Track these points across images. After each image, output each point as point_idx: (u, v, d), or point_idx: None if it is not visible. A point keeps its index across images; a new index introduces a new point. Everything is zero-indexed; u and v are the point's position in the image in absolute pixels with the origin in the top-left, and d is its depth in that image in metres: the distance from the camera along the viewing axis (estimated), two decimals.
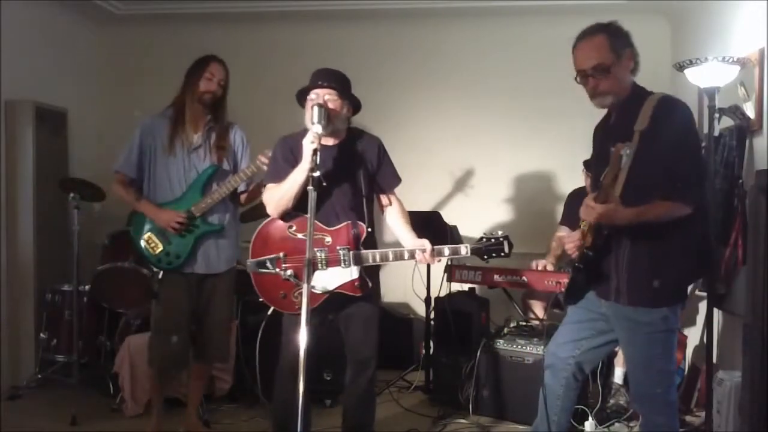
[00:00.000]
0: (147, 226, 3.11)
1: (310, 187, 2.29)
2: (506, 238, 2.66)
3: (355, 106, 2.76)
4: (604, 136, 2.45)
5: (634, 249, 2.31)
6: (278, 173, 2.66)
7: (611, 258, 2.35)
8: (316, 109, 2.49)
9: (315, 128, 2.44)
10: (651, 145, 2.22)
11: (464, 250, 2.65)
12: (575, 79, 2.38)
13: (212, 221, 3.14)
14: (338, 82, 2.68)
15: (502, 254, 2.65)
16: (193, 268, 3.13)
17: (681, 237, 2.27)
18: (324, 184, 2.43)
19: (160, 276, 3.08)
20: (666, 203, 2.22)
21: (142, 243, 3.10)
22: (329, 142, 2.70)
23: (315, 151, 2.38)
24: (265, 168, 2.95)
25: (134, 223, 3.17)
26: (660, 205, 2.22)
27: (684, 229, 2.26)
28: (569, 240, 2.46)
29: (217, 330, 3.25)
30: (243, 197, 3.24)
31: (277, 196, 2.62)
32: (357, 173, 2.71)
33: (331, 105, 2.61)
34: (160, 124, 3.14)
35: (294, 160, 2.63)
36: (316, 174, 2.31)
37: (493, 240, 2.65)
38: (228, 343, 3.44)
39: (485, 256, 2.66)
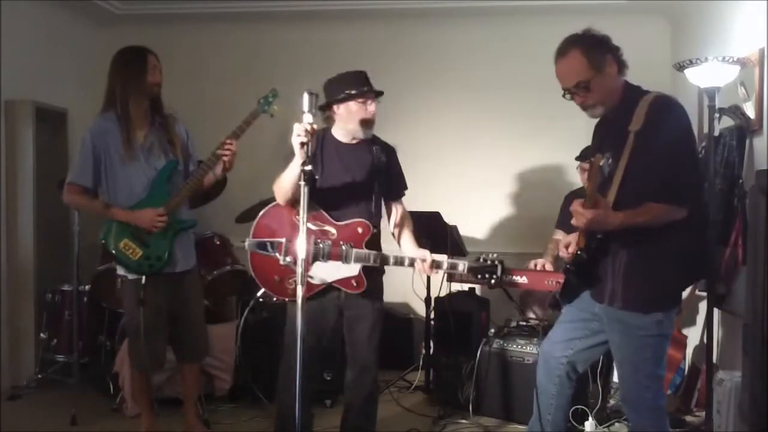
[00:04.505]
0: (122, 233, 3.00)
1: (301, 182, 2.19)
2: (501, 262, 2.71)
3: None
4: (603, 135, 2.45)
5: (630, 253, 2.28)
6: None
7: (607, 261, 2.33)
8: (306, 96, 2.26)
9: (306, 117, 2.28)
10: (645, 146, 2.20)
11: (461, 266, 2.72)
12: (563, 95, 2.35)
13: (183, 217, 3.11)
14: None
15: (494, 277, 2.70)
16: (174, 267, 3.07)
17: (677, 240, 2.24)
18: (317, 177, 2.42)
19: (143, 281, 2.99)
20: (658, 205, 2.18)
21: (120, 250, 2.99)
22: (351, 141, 2.77)
23: (303, 145, 2.28)
24: (224, 155, 2.99)
25: (106, 233, 3.01)
26: (652, 207, 2.18)
27: (680, 232, 2.23)
28: (565, 244, 2.46)
29: (198, 326, 3.25)
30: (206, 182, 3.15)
31: (277, 188, 2.66)
32: (373, 175, 2.76)
33: (372, 111, 2.70)
34: (108, 128, 3.03)
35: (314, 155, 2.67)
36: (308, 168, 2.20)
37: (489, 262, 2.72)
38: (208, 337, 3.38)
39: (479, 276, 2.72)
